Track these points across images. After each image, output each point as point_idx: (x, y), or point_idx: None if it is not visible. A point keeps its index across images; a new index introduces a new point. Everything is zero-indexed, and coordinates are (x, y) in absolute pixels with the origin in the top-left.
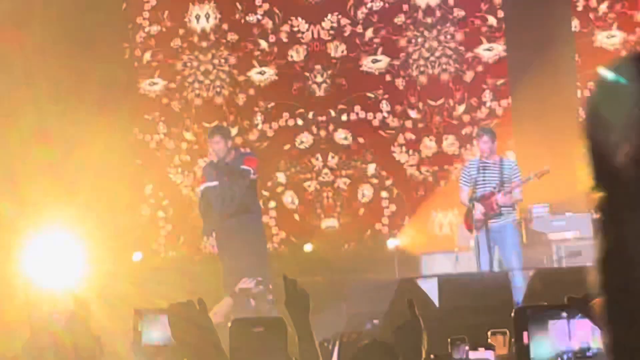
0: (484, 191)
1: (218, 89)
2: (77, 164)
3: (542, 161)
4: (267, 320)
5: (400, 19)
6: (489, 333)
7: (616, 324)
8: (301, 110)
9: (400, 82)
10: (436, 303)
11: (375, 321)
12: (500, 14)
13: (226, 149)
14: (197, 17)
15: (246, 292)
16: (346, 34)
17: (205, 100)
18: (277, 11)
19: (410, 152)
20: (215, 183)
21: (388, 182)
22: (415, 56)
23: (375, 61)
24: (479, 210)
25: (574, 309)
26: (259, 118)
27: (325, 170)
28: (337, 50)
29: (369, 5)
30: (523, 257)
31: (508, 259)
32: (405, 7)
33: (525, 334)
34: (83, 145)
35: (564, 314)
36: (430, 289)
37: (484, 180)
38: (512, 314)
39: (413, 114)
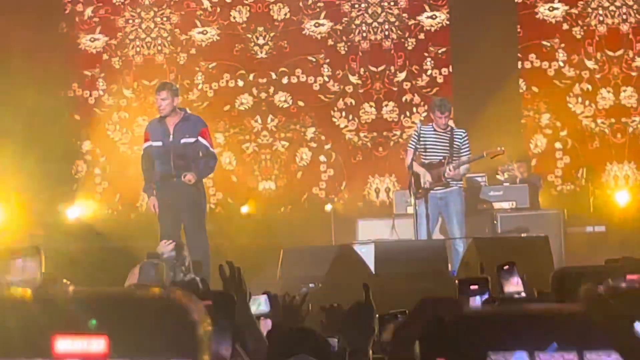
0: (433, 159)
1: (159, 47)
2: (9, 114)
3: (480, 130)
4: (216, 293)
5: None
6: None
7: None
8: (242, 71)
9: (342, 47)
10: (372, 269)
11: (311, 285)
12: None
13: (172, 106)
14: None
15: (156, 257)
16: None
17: (146, 58)
18: None
19: (350, 117)
20: (159, 143)
21: (327, 147)
22: (357, 21)
23: (318, 25)
24: (427, 179)
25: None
26: (199, 78)
27: (264, 133)
28: (280, 12)
29: None
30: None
31: (452, 227)
32: None
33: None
34: (15, 97)
35: None
36: (367, 254)
37: (432, 148)
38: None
39: (354, 79)
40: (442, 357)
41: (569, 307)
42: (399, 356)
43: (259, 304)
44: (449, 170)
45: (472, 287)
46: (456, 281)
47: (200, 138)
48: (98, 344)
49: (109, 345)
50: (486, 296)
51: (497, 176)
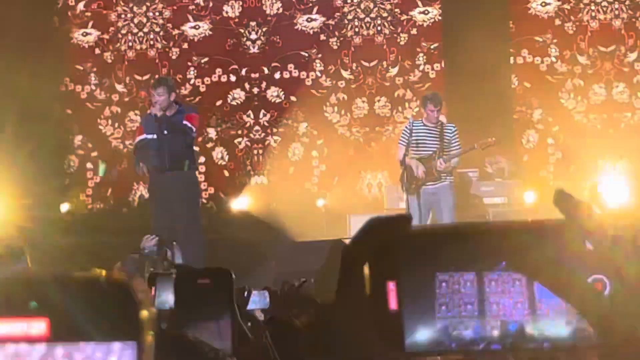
0: (424, 154)
1: (151, 42)
2: (1, 108)
3: (472, 125)
4: (213, 271)
5: None
6: None
7: None
8: (234, 66)
9: (334, 42)
10: None
11: (303, 279)
12: None
13: (169, 101)
14: None
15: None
16: None
17: (138, 52)
18: None
19: (342, 112)
20: (153, 136)
21: (319, 142)
22: (350, 17)
23: (310, 20)
24: (420, 170)
25: None
26: (191, 72)
27: (257, 128)
28: (272, 7)
29: None
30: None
31: (443, 222)
32: None
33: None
34: (7, 91)
35: None
36: None
37: (423, 143)
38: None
39: (346, 74)
40: (391, 280)
41: (524, 222)
42: (347, 281)
43: (259, 299)
44: (440, 163)
45: None
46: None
47: (185, 121)
48: (39, 327)
49: (50, 327)
50: None
51: (485, 168)
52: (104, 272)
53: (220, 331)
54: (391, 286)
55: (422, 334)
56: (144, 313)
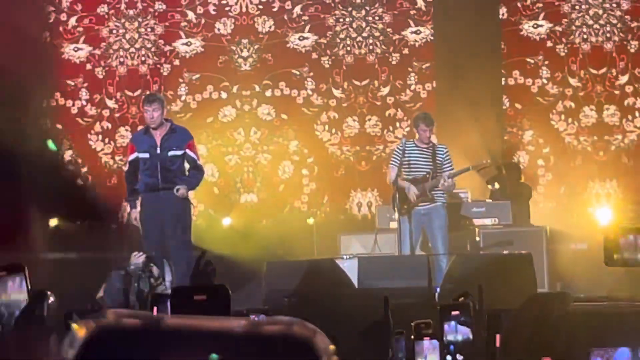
0: (416, 175)
1: (143, 58)
2: None
3: (463, 146)
4: (209, 288)
5: None
6: (412, 324)
7: None
8: (226, 83)
9: (326, 61)
10: (355, 283)
11: (294, 299)
12: None
13: (162, 118)
14: None
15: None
16: (274, 9)
17: (130, 68)
18: None
19: (333, 130)
20: (146, 155)
21: (309, 160)
22: (342, 35)
23: (302, 38)
24: (412, 191)
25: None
26: (182, 89)
27: (247, 145)
28: (264, 25)
29: None
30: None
31: (435, 243)
32: None
33: (498, 337)
34: None
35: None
36: (350, 269)
37: (415, 163)
38: (486, 318)
39: (337, 93)
40: (547, 356)
41: None
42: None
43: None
44: (436, 184)
45: (453, 312)
46: (438, 307)
47: (187, 150)
48: None
49: None
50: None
51: (471, 168)
52: (285, 325)
53: None
54: None
55: None
56: None
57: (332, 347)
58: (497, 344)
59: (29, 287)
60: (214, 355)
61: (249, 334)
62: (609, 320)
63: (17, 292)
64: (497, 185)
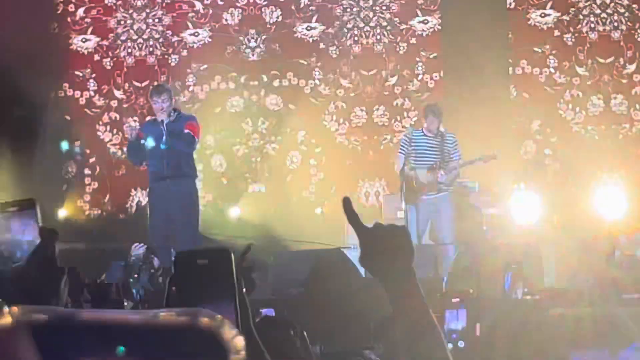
0: (423, 164)
1: (151, 49)
2: None
3: (470, 136)
4: (212, 251)
5: None
6: None
7: None
8: (233, 73)
9: (333, 51)
10: (362, 273)
11: (301, 289)
12: None
13: (170, 109)
14: None
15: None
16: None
17: (138, 59)
18: None
19: (341, 120)
20: (153, 144)
21: (317, 150)
22: (349, 25)
23: (309, 28)
24: (420, 180)
25: None
26: (190, 79)
27: (255, 135)
28: (272, 15)
29: None
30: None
31: (442, 232)
32: None
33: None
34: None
35: None
36: (357, 258)
37: (423, 153)
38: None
39: (345, 82)
40: None
41: None
42: None
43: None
44: (441, 175)
45: (453, 300)
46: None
47: (185, 130)
48: None
49: None
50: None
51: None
52: (190, 316)
53: (222, 311)
54: None
55: None
56: None
57: (239, 339)
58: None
59: (40, 225)
60: (121, 348)
61: (150, 325)
62: (588, 324)
63: (29, 229)
64: (522, 185)
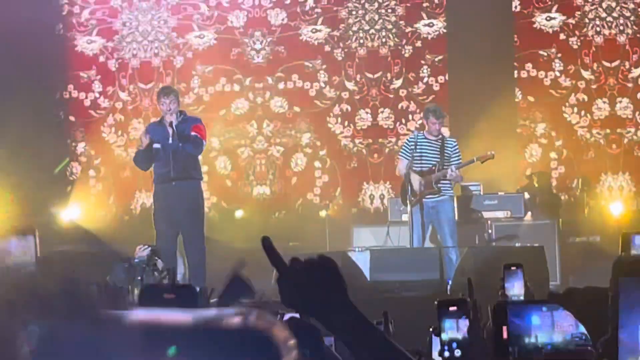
0: (424, 167)
1: (156, 50)
2: (4, 115)
3: (475, 139)
4: (178, 287)
5: None
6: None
7: None
8: (238, 76)
9: (338, 53)
10: (367, 276)
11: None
12: None
13: (177, 110)
14: None
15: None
16: (287, 2)
17: (143, 60)
18: None
19: (346, 123)
20: (158, 145)
21: (322, 153)
22: (355, 28)
23: (315, 31)
24: (418, 182)
25: (554, 304)
26: (195, 81)
27: (260, 138)
28: (277, 17)
29: None
30: (457, 235)
31: (443, 236)
32: None
33: (504, 328)
34: (11, 98)
35: (545, 309)
36: (362, 261)
37: (425, 156)
38: (491, 308)
39: (350, 85)
40: None
41: None
42: None
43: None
44: (442, 176)
45: (451, 308)
46: (435, 302)
47: (192, 133)
48: None
49: None
50: (466, 321)
51: (475, 159)
52: (242, 316)
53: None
54: None
55: None
56: None
57: (292, 340)
58: (505, 336)
59: (37, 253)
60: (172, 349)
61: (203, 327)
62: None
63: (24, 254)
64: (526, 195)
